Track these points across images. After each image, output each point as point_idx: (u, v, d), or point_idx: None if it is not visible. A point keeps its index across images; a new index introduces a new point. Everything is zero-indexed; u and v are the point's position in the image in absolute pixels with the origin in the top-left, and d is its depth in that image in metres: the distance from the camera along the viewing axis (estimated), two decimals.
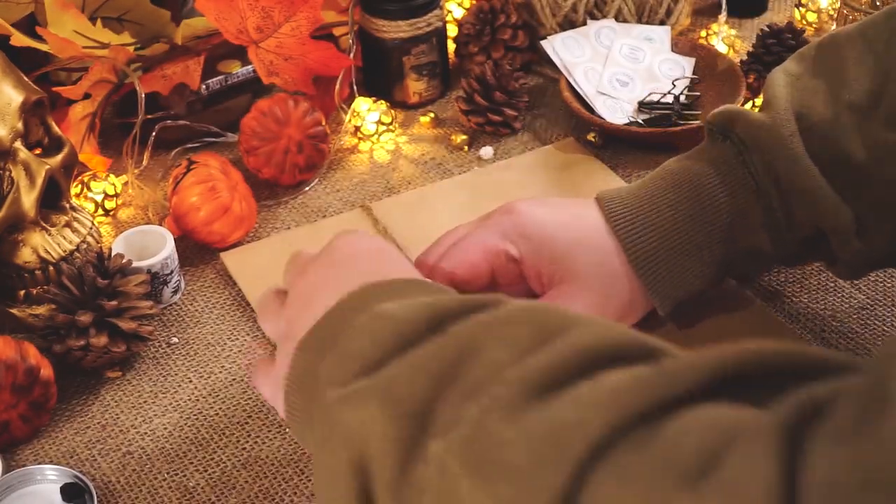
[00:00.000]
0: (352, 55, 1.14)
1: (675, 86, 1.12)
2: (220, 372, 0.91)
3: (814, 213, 0.82)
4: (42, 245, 0.94)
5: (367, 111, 1.12)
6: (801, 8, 1.26)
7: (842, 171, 0.82)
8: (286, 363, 0.67)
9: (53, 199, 0.95)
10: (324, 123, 1.08)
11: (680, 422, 0.47)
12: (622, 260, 0.84)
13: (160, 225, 1.01)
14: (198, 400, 0.89)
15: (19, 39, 1.04)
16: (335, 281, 0.69)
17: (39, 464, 0.84)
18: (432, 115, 1.16)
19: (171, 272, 0.96)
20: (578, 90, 1.13)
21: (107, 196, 1.06)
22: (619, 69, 1.15)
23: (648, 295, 0.85)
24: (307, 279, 0.72)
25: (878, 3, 1.16)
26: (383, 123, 1.12)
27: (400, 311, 0.61)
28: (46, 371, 0.86)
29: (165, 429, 0.87)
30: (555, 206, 0.86)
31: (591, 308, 0.84)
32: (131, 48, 1.09)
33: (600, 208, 0.85)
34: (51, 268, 0.94)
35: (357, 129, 1.13)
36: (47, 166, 0.93)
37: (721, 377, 0.49)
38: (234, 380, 0.90)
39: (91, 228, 0.97)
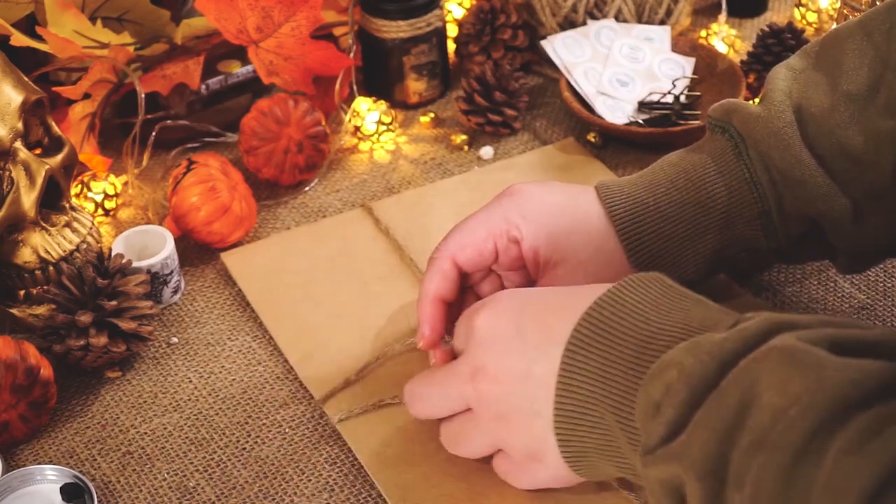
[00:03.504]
0: (352, 55, 1.14)
1: (675, 86, 1.12)
2: (220, 372, 0.91)
3: (805, 201, 0.83)
4: (42, 245, 0.94)
5: (367, 111, 1.12)
6: (801, 8, 1.26)
7: (839, 158, 0.83)
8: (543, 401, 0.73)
9: (53, 199, 0.95)
10: (324, 123, 1.08)
11: None
12: (617, 246, 0.85)
13: (160, 225, 1.01)
14: (198, 400, 0.89)
15: (19, 39, 1.04)
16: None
17: (39, 464, 0.84)
18: (432, 115, 1.16)
19: (171, 272, 0.96)
20: (578, 90, 1.13)
21: (107, 196, 1.06)
22: (619, 69, 1.15)
23: None
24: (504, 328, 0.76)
25: (877, 3, 1.16)
26: (383, 123, 1.12)
27: (689, 364, 0.65)
28: (46, 371, 0.86)
29: (165, 429, 0.87)
30: (555, 190, 0.88)
31: None
32: (131, 48, 1.09)
33: (598, 195, 0.87)
34: (51, 268, 0.94)
35: (357, 129, 1.13)
36: (47, 166, 0.93)
37: None
38: (234, 380, 0.90)
39: (91, 228, 0.97)
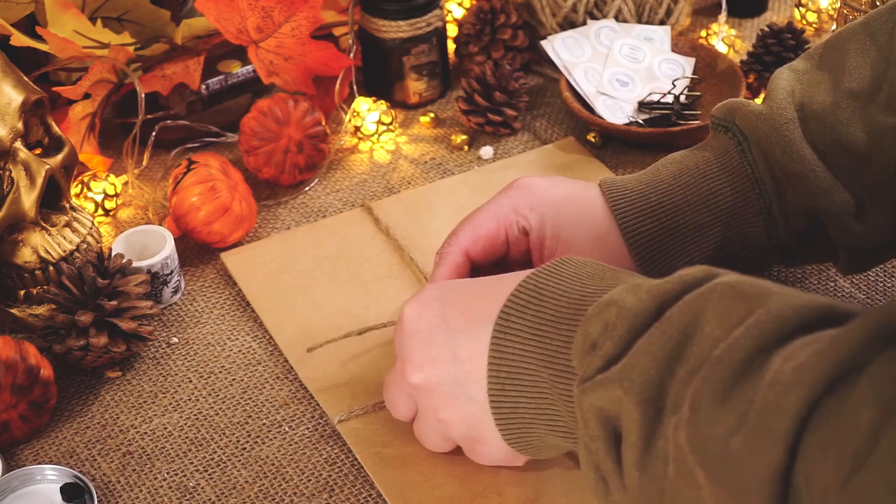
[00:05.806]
0: (352, 55, 1.14)
1: (675, 86, 1.12)
2: (220, 372, 0.91)
3: (807, 197, 0.84)
4: (42, 245, 0.94)
5: (367, 111, 1.12)
6: (801, 8, 1.26)
7: (841, 155, 0.84)
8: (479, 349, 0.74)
9: (53, 199, 0.95)
10: (324, 123, 1.08)
11: (856, 394, 0.53)
12: (619, 241, 0.86)
13: (160, 225, 1.01)
14: (198, 400, 0.89)
15: (19, 39, 1.04)
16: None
17: (39, 464, 0.84)
18: (432, 115, 1.16)
19: (171, 272, 0.96)
20: (578, 90, 1.13)
21: (107, 196, 1.06)
22: (619, 69, 1.15)
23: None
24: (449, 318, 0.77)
25: (877, 3, 1.16)
26: (383, 123, 1.12)
27: (629, 301, 0.66)
28: (46, 371, 0.86)
29: (165, 429, 0.87)
30: (560, 183, 0.89)
31: None
32: (131, 48, 1.09)
33: (601, 190, 0.87)
34: (51, 268, 0.94)
35: (357, 129, 1.13)
36: (47, 166, 0.93)
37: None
38: (234, 380, 0.90)
39: (91, 228, 0.97)
